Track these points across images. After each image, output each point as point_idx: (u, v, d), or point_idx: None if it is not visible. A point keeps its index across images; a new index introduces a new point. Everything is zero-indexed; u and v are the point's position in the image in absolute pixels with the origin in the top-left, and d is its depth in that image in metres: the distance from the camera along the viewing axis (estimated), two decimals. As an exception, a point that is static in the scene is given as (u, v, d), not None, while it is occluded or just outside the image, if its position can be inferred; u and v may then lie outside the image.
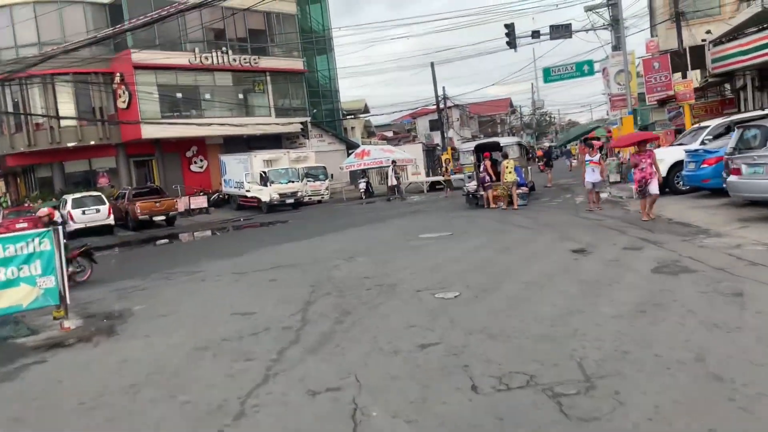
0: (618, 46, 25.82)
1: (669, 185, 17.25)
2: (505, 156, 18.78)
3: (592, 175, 15.49)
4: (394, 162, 31.24)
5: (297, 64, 38.79)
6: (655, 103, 33.26)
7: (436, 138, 60.17)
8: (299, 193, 30.84)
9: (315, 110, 41.84)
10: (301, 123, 37.57)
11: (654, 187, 12.42)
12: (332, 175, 35.47)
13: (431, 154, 56.36)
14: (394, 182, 30.66)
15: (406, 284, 8.49)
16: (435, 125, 65.05)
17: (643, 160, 12.52)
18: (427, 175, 45.63)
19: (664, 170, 17.29)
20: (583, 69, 38.96)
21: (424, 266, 9.84)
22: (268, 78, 37.30)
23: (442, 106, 51.14)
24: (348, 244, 14.05)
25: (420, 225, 16.28)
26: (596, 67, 41.19)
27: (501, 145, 19.58)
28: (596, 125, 60.35)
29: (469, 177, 19.67)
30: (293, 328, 6.77)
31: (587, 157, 15.58)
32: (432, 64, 48.95)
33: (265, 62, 36.77)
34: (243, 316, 7.72)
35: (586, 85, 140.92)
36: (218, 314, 8.02)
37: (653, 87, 30.00)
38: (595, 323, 5.82)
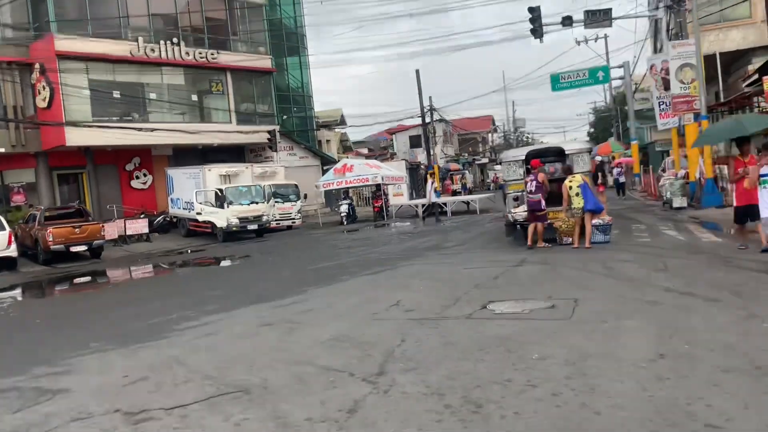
0: (680, 33, 20.17)
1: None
2: (569, 171, 12.64)
3: None
4: (431, 174, 25.48)
5: (264, 62, 32.42)
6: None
7: (418, 155, 54.33)
8: (265, 217, 24.41)
9: (285, 116, 35.48)
10: (268, 132, 31.09)
11: None
12: (305, 195, 29.08)
13: (414, 172, 50.45)
14: (433, 199, 24.70)
15: None
16: (416, 142, 59.22)
17: None
18: (411, 196, 39.73)
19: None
20: (597, 76, 33.91)
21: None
22: (229, 77, 30.84)
23: (428, 119, 45.23)
24: (354, 320, 7.69)
25: (466, 278, 9.94)
26: (612, 73, 36.19)
27: (566, 152, 13.45)
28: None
29: (515, 199, 13.49)
30: None
31: (765, 170, 8.85)
32: (417, 72, 43.17)
33: (226, 58, 30.37)
34: None
35: (557, 109, 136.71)
36: None
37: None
38: None
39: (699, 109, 19.35)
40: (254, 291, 11.05)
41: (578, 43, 42.34)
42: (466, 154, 66.42)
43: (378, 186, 27.92)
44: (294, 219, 27.38)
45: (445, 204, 26.13)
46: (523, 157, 13.33)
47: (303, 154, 36.15)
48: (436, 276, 10.49)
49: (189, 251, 21.87)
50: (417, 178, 49.80)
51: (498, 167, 68.86)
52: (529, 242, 12.62)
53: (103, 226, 21.79)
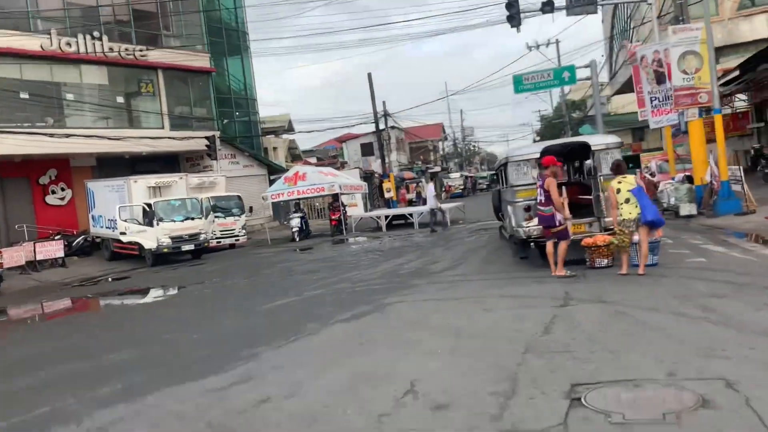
0: (680, 17, 17.61)
1: None
2: (618, 169, 9.42)
3: None
4: (433, 179, 21.83)
5: (201, 60, 28.81)
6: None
7: (372, 164, 51.18)
8: (202, 235, 20.75)
9: (226, 121, 31.81)
10: (207, 138, 27.50)
11: None
12: (251, 208, 25.53)
13: (368, 181, 47.30)
14: (437, 204, 21.44)
15: None
16: (368, 150, 56.16)
17: None
18: (365, 207, 36.56)
19: None
20: (562, 76, 31.59)
21: None
22: (161, 76, 27.14)
23: (382, 126, 42.13)
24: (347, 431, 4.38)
25: (502, 330, 6.73)
26: (578, 73, 33.99)
27: (592, 148, 10.43)
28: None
29: (527, 210, 10.41)
30: None
31: None
32: (369, 76, 40.21)
33: (157, 55, 26.67)
34: None
35: (502, 118, 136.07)
36: None
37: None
38: None
39: (707, 103, 16.77)
40: (180, 353, 7.61)
41: (530, 48, 40.37)
42: (420, 163, 63.68)
43: (335, 196, 24.61)
44: (237, 236, 23.85)
45: (444, 211, 22.99)
46: (537, 156, 10.25)
47: (247, 163, 32.49)
48: (450, 324, 7.19)
49: (109, 279, 18.05)
50: (372, 187, 46.70)
51: (454, 176, 66.58)
52: (552, 270, 9.54)
53: (0, 253, 17.78)
